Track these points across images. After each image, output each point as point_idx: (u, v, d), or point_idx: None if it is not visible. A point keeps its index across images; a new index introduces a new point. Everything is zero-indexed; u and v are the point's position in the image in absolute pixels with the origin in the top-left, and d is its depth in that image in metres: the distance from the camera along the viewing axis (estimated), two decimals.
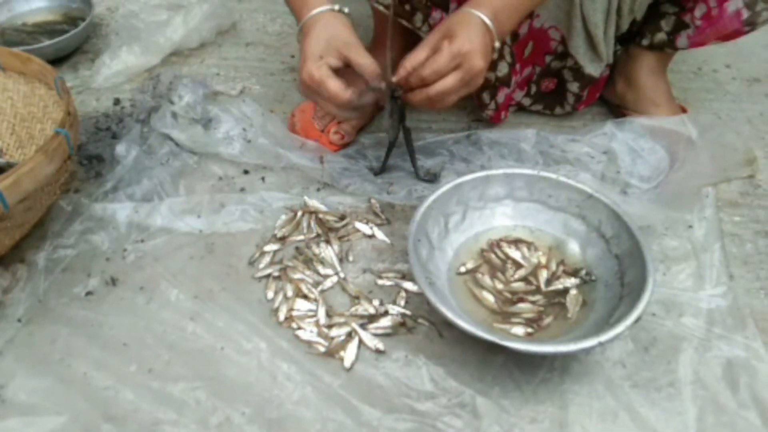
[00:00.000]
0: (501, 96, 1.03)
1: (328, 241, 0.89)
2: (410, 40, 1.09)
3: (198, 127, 1.07)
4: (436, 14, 0.96)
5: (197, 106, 1.09)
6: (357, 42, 0.82)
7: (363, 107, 0.84)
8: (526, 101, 1.11)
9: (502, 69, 0.99)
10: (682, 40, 0.99)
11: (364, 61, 0.81)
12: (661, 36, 1.00)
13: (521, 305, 0.79)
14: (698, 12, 0.95)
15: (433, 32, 0.81)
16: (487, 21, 0.78)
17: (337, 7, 0.84)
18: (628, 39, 1.05)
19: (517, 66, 1.02)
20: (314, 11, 0.82)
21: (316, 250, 0.88)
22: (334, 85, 0.80)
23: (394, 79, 0.82)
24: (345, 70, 0.83)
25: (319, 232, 0.91)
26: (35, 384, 0.74)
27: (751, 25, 0.93)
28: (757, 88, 1.21)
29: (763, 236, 0.92)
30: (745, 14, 0.92)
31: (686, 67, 1.25)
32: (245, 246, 0.90)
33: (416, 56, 0.79)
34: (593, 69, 1.01)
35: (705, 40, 0.97)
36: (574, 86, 1.06)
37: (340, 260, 0.88)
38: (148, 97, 1.12)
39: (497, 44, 0.81)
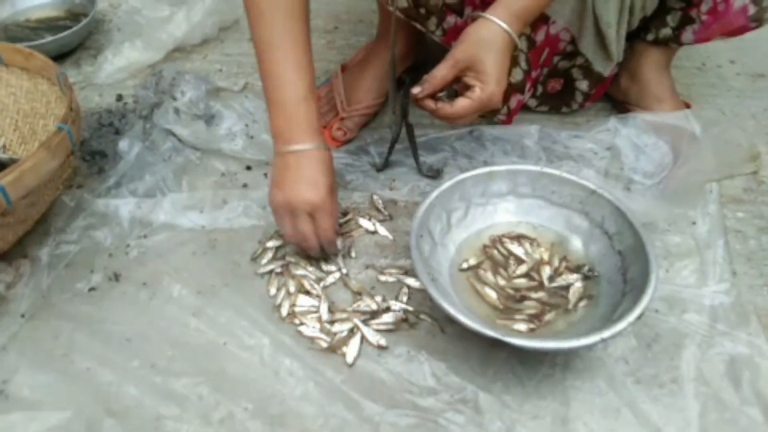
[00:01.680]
0: (513, 102, 1.02)
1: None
2: (413, 36, 1.09)
3: (200, 123, 1.07)
4: (450, 18, 0.95)
5: (200, 102, 1.09)
6: (335, 184, 0.82)
7: (324, 252, 0.85)
8: (532, 102, 1.10)
9: (517, 76, 0.98)
10: (687, 35, 0.98)
11: (336, 204, 0.83)
12: (666, 31, 1.00)
13: (525, 303, 0.79)
14: (704, 7, 0.94)
15: (462, 47, 0.78)
16: (512, 34, 0.78)
17: (323, 145, 0.80)
18: (633, 34, 1.05)
19: (533, 73, 1.01)
20: (321, 144, 0.80)
21: None
22: (333, 224, 0.81)
23: (416, 92, 0.80)
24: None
25: None
26: (38, 379, 0.74)
27: (758, 21, 0.92)
28: (761, 83, 1.21)
29: (767, 232, 0.91)
30: (752, 10, 0.91)
31: (690, 63, 1.24)
32: (248, 242, 0.90)
33: (442, 75, 0.79)
34: (603, 67, 1.01)
35: (710, 36, 0.97)
36: (583, 85, 1.06)
37: (343, 256, 0.88)
38: (150, 94, 1.12)
39: (516, 52, 0.81)
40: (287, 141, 0.79)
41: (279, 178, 0.79)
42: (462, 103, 0.79)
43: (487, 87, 0.78)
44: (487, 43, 0.78)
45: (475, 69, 0.78)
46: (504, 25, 0.77)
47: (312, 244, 0.82)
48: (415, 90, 0.80)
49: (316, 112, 0.81)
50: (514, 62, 0.96)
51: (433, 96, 0.81)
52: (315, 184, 0.78)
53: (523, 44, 0.96)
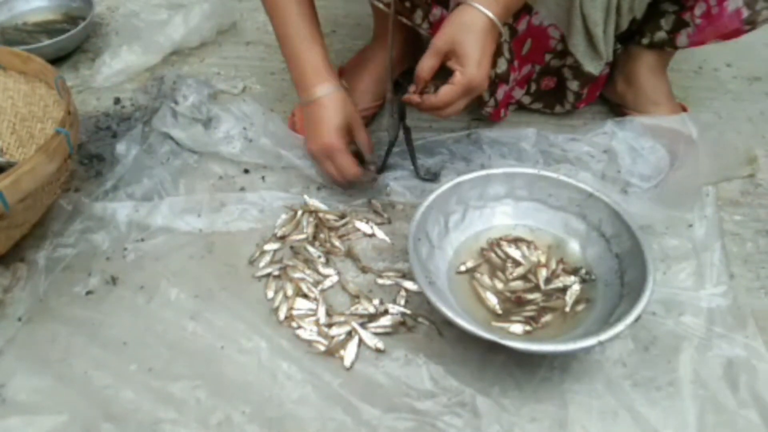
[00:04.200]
0: (500, 93, 1.03)
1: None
2: (410, 38, 1.09)
3: (198, 126, 1.07)
4: (436, 11, 0.95)
5: (202, 106, 1.10)
6: (360, 119, 0.92)
7: (361, 184, 0.95)
8: (526, 99, 1.11)
9: (501, 66, 0.99)
10: (682, 38, 0.99)
11: (364, 138, 0.92)
12: (661, 35, 1.00)
13: (524, 307, 0.79)
14: (698, 10, 0.95)
15: (440, 35, 0.79)
16: (492, 15, 0.78)
17: (343, 84, 0.93)
18: (628, 38, 1.05)
19: (516, 63, 1.01)
20: (320, 88, 0.89)
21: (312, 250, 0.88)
22: (349, 160, 0.90)
23: (411, 90, 0.83)
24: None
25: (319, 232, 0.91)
26: (35, 383, 0.74)
27: (751, 23, 0.92)
28: (757, 86, 1.21)
29: (764, 235, 0.92)
30: (745, 13, 0.91)
31: (687, 66, 1.25)
32: (245, 245, 0.90)
33: (429, 65, 0.80)
34: (593, 67, 1.01)
35: (705, 39, 0.97)
36: (573, 84, 1.06)
37: (341, 260, 0.88)
38: (151, 98, 1.12)
39: (502, 39, 0.81)
40: (302, 92, 0.91)
41: (304, 131, 0.95)
42: (444, 90, 0.80)
43: (466, 69, 0.78)
44: (466, 27, 0.78)
45: (456, 53, 0.78)
46: (482, 9, 0.77)
47: (341, 183, 0.94)
48: (411, 88, 0.83)
49: (322, 58, 0.90)
50: (498, 52, 0.97)
51: (422, 92, 0.83)
52: (321, 129, 0.89)
53: (505, 33, 0.97)
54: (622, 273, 0.77)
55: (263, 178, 1.00)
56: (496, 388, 0.73)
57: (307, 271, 0.86)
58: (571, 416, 0.71)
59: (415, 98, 0.82)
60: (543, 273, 0.82)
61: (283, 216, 0.94)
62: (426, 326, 0.79)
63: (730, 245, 0.90)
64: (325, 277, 0.85)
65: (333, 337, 0.78)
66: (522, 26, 0.98)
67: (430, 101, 0.81)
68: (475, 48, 0.77)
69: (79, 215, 0.92)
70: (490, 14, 0.77)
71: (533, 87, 1.09)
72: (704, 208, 0.92)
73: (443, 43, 0.79)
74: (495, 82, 1.01)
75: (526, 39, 1.01)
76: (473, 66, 0.77)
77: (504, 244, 0.85)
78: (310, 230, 0.91)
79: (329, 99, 0.89)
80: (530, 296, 0.80)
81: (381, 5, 0.94)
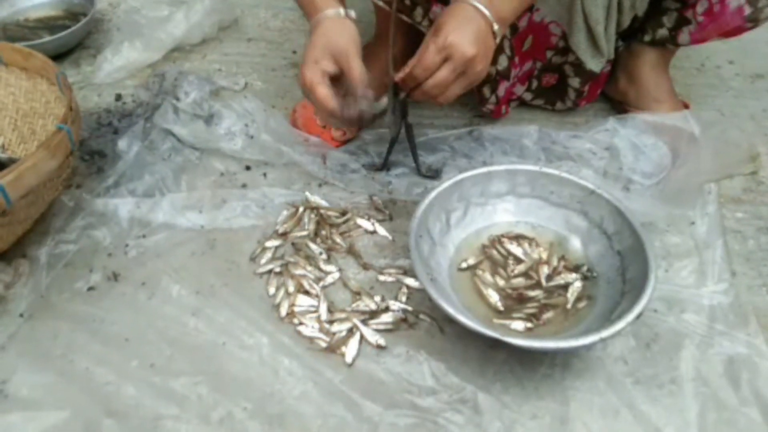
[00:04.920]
0: (501, 89, 1.03)
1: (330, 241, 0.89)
2: (412, 36, 1.09)
3: (200, 122, 1.07)
4: (436, 8, 0.95)
5: (203, 102, 1.10)
6: (354, 49, 0.83)
7: (348, 119, 0.85)
8: (527, 96, 1.11)
9: (502, 62, 0.99)
10: (683, 36, 0.98)
11: (354, 70, 0.82)
12: (662, 32, 1.00)
13: (525, 304, 0.79)
14: (700, 8, 0.95)
15: (429, 30, 0.81)
16: (480, 6, 0.78)
17: (342, 11, 0.85)
18: (630, 35, 1.05)
19: (516, 59, 1.01)
20: (321, 14, 0.84)
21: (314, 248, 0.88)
22: (322, 92, 0.81)
23: (397, 77, 0.82)
24: (343, 78, 0.84)
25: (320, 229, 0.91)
26: (37, 379, 0.74)
27: (754, 21, 0.92)
28: (760, 84, 1.21)
29: (766, 233, 0.91)
30: (747, 10, 0.91)
31: (689, 63, 1.24)
32: (247, 242, 0.90)
33: (415, 57, 0.80)
34: (594, 64, 1.01)
35: (707, 37, 0.97)
36: (575, 81, 1.06)
37: (343, 257, 0.88)
38: (152, 95, 1.12)
39: (497, 27, 0.80)
40: (316, 9, 0.84)
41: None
42: (418, 56, 0.79)
43: (440, 32, 0.77)
44: (451, 14, 0.79)
45: (434, 31, 0.78)
46: (473, 2, 0.78)
47: (335, 121, 0.85)
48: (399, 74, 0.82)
49: None
50: (499, 49, 0.97)
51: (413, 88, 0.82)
52: (303, 63, 0.82)
53: (506, 30, 0.96)
54: (624, 270, 0.77)
55: (265, 174, 1.00)
56: (497, 385, 0.73)
57: (309, 268, 0.86)
58: (573, 413, 0.71)
59: (401, 74, 0.82)
60: (544, 270, 0.82)
61: (285, 213, 0.94)
62: (427, 323, 0.79)
63: (732, 242, 0.89)
64: (327, 273, 0.85)
65: (334, 334, 0.78)
66: (523, 23, 0.98)
67: (410, 73, 0.80)
68: (453, 21, 0.77)
69: (81, 211, 0.92)
70: (478, 4, 0.78)
71: (534, 84, 1.09)
72: (706, 205, 0.92)
73: (429, 35, 0.79)
74: (496, 78, 1.01)
75: (527, 36, 1.01)
76: (448, 28, 0.77)
77: (506, 241, 0.85)
78: (311, 227, 0.91)
79: (315, 28, 0.84)
80: (532, 293, 0.80)
81: (382, 3, 0.94)
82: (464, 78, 0.80)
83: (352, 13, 0.86)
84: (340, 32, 0.83)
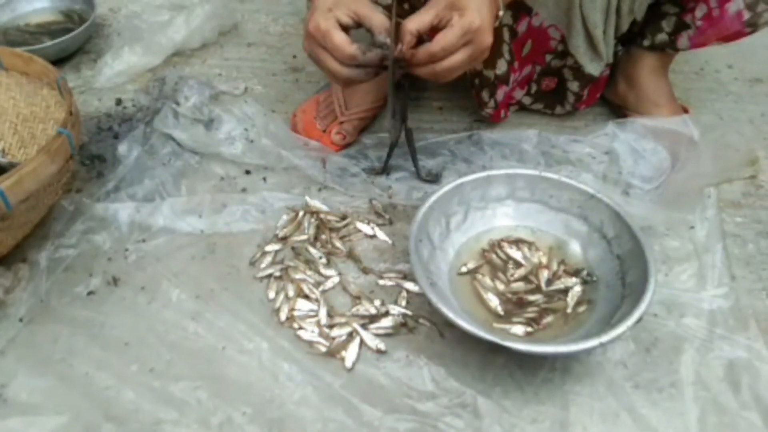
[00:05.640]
0: (500, 94, 1.03)
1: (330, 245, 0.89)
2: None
3: (200, 127, 1.07)
4: None
5: (203, 107, 1.10)
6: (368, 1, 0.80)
7: (366, 66, 0.79)
8: (527, 100, 1.11)
9: (501, 67, 0.99)
10: (683, 40, 0.99)
11: (375, 16, 0.78)
12: (662, 36, 1.00)
13: (526, 309, 0.79)
14: (699, 12, 0.95)
15: None
16: None
17: None
18: (630, 39, 1.05)
19: (516, 64, 1.02)
20: None
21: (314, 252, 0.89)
22: (340, 37, 0.76)
23: (402, 48, 0.77)
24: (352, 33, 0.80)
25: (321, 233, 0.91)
26: (36, 383, 0.74)
27: (753, 26, 0.92)
28: (759, 88, 1.21)
29: (765, 237, 0.91)
30: (747, 15, 0.91)
31: (688, 68, 1.25)
32: (247, 246, 0.90)
33: (421, 20, 0.76)
34: (593, 68, 1.01)
35: (706, 41, 0.97)
36: (574, 85, 1.06)
37: (342, 261, 0.88)
38: (152, 99, 1.13)
39: (501, 13, 0.78)
40: None
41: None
42: (442, 34, 0.73)
43: (466, 12, 0.72)
44: None
45: (453, 5, 0.74)
46: None
47: (347, 76, 0.79)
48: (398, 47, 0.76)
49: None
50: (498, 53, 0.97)
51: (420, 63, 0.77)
52: (310, 18, 0.77)
53: (505, 35, 0.97)
54: (624, 274, 0.77)
55: (265, 179, 1.00)
56: (497, 390, 0.73)
57: (309, 272, 0.86)
58: (573, 418, 0.71)
59: (407, 52, 0.76)
60: (544, 274, 0.82)
61: (285, 217, 0.94)
62: (427, 327, 0.79)
63: (732, 247, 0.89)
64: (327, 278, 0.85)
65: (334, 338, 0.78)
66: (522, 27, 0.99)
67: (426, 49, 0.75)
68: (477, 4, 0.73)
69: (81, 216, 0.92)
70: None
71: (534, 88, 1.09)
72: (706, 209, 0.92)
73: (442, 4, 0.74)
74: (494, 83, 1.01)
75: (527, 40, 1.01)
76: (473, 10, 0.73)
77: (505, 245, 0.85)
78: (311, 231, 0.91)
79: None
80: (531, 297, 0.80)
81: (381, 8, 0.94)
82: (472, 63, 0.77)
83: None
84: None
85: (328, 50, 0.77)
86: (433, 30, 0.76)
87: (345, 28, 0.78)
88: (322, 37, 0.77)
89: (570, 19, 0.96)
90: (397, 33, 0.78)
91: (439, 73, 0.76)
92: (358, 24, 0.79)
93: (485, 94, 1.03)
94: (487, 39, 0.74)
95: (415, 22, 0.75)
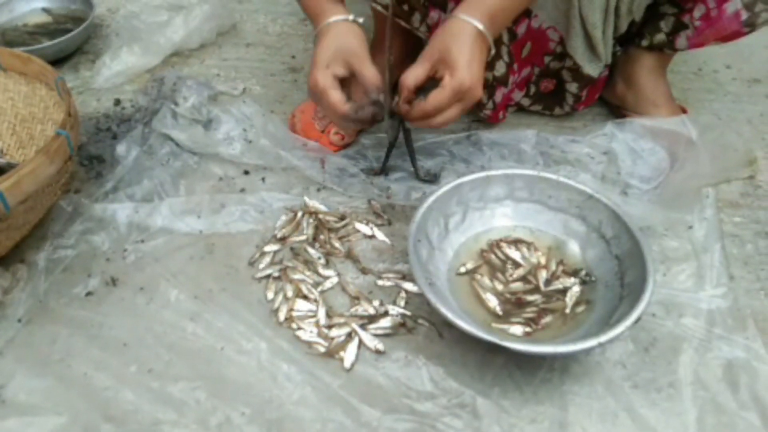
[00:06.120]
0: (499, 95, 1.03)
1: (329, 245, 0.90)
2: (410, 41, 1.09)
3: (198, 127, 1.07)
4: (434, 14, 0.96)
5: (202, 107, 1.10)
6: (365, 53, 0.85)
7: (360, 121, 0.86)
8: (526, 101, 1.11)
9: (500, 69, 0.99)
10: (681, 40, 0.99)
11: (368, 73, 0.83)
12: (660, 37, 1.00)
13: (524, 309, 0.79)
14: (697, 13, 0.95)
15: (430, 46, 0.81)
16: (482, 29, 0.78)
17: (351, 17, 0.86)
18: (628, 40, 1.05)
19: (515, 66, 1.02)
20: (329, 20, 0.85)
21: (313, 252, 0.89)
22: (335, 96, 0.83)
23: (399, 102, 0.84)
24: (352, 80, 0.86)
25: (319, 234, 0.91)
26: (35, 384, 0.74)
27: (751, 26, 0.92)
28: (757, 88, 1.21)
29: (764, 237, 0.92)
30: (744, 15, 0.91)
31: (686, 68, 1.25)
32: (245, 246, 0.90)
33: (416, 75, 0.81)
34: (592, 69, 1.01)
35: (704, 41, 0.97)
36: (573, 87, 1.06)
37: (341, 262, 0.88)
38: (151, 100, 1.13)
39: (493, 52, 0.81)
40: (325, 16, 0.86)
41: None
42: (434, 94, 0.79)
43: (456, 72, 0.77)
44: (454, 35, 0.79)
45: (444, 61, 0.79)
46: (469, 18, 0.78)
47: (345, 123, 0.86)
48: (396, 100, 0.83)
49: None
50: (497, 55, 0.97)
51: (410, 102, 0.83)
52: (311, 68, 0.84)
53: (504, 36, 0.97)
54: (622, 274, 0.78)
55: (263, 179, 1.00)
56: (496, 390, 0.73)
57: (307, 273, 0.86)
58: (571, 418, 0.71)
59: (404, 107, 0.83)
60: (543, 274, 0.82)
61: (283, 217, 0.94)
62: (426, 328, 0.79)
63: (730, 247, 0.90)
64: (325, 278, 0.85)
65: (333, 339, 0.78)
66: (521, 30, 0.99)
67: (420, 107, 0.81)
68: (464, 52, 0.78)
69: (79, 216, 0.92)
70: (477, 23, 0.78)
71: (532, 89, 1.09)
72: (704, 209, 0.92)
73: (431, 52, 0.79)
74: (493, 84, 1.01)
75: (526, 42, 1.01)
76: (463, 69, 0.77)
77: (504, 245, 0.85)
78: (310, 231, 0.91)
79: (326, 30, 0.85)
80: (530, 298, 0.80)
81: (379, 7, 0.95)
82: (465, 113, 0.82)
83: (360, 20, 0.87)
84: (351, 36, 0.85)
85: (325, 107, 0.85)
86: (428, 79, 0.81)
87: (344, 79, 0.85)
88: (320, 94, 0.84)
89: (569, 21, 0.97)
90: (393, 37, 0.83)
91: (433, 126, 0.82)
92: (354, 76, 0.85)
93: (483, 96, 1.03)
94: (477, 94, 0.79)
95: (412, 78, 0.81)
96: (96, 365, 0.75)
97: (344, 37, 0.85)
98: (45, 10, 1.36)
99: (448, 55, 0.78)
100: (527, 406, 0.72)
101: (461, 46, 0.78)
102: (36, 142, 0.97)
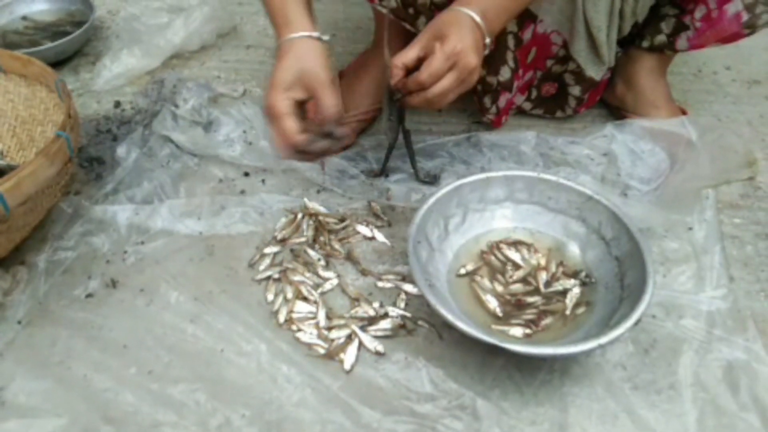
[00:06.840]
0: (502, 101, 1.03)
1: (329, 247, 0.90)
2: (409, 42, 1.09)
3: (198, 129, 1.07)
4: None
5: (202, 109, 1.10)
6: (326, 78, 0.79)
7: (309, 154, 0.80)
8: (527, 105, 1.11)
9: (505, 74, 0.99)
10: (681, 42, 0.99)
11: (328, 102, 0.78)
12: (660, 38, 1.00)
13: (524, 310, 0.79)
14: (698, 14, 0.95)
15: (423, 32, 0.80)
16: (477, 18, 0.78)
17: (316, 34, 0.80)
18: (628, 41, 1.05)
19: (520, 71, 1.02)
20: (293, 35, 0.79)
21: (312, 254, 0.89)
22: (289, 125, 0.78)
23: (392, 82, 0.82)
24: (309, 104, 0.81)
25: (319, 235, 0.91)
26: (35, 386, 0.74)
27: (751, 27, 0.93)
28: (757, 90, 1.21)
29: (764, 238, 0.92)
30: (745, 17, 0.92)
31: (686, 69, 1.25)
32: (245, 248, 0.90)
33: (407, 55, 0.79)
34: (594, 72, 1.01)
35: (705, 42, 0.97)
36: (575, 90, 1.06)
37: (341, 263, 0.88)
38: (151, 102, 1.13)
39: (488, 41, 0.80)
40: (289, 29, 0.80)
41: (275, 70, 0.80)
42: (427, 62, 0.76)
43: (447, 39, 0.76)
44: (449, 22, 0.78)
45: (436, 39, 0.77)
46: (466, 10, 0.78)
47: (283, 150, 0.80)
48: (391, 82, 0.80)
49: (288, 6, 0.80)
50: (502, 61, 0.97)
51: (412, 92, 0.80)
52: (268, 87, 0.79)
53: (510, 42, 0.97)
54: (622, 276, 0.78)
55: (263, 181, 1.01)
56: (496, 391, 0.73)
57: (307, 274, 0.86)
58: (571, 419, 0.71)
59: (399, 82, 0.79)
60: (543, 276, 0.82)
61: (283, 219, 0.94)
62: (426, 329, 0.79)
63: (730, 248, 0.90)
64: (325, 280, 0.85)
65: (333, 340, 0.78)
66: (527, 35, 0.98)
67: (414, 78, 0.78)
68: (458, 30, 0.77)
69: (80, 218, 0.92)
70: (473, 14, 0.78)
71: (534, 93, 1.09)
72: (704, 211, 0.92)
73: (424, 36, 0.78)
74: (497, 89, 1.01)
75: (531, 48, 1.01)
76: (454, 35, 0.76)
77: (504, 247, 0.85)
78: (310, 233, 0.91)
79: (285, 49, 0.79)
80: (530, 299, 0.80)
81: (385, 10, 0.94)
82: (462, 86, 0.79)
83: (326, 37, 0.82)
84: (314, 57, 0.79)
85: (277, 132, 0.79)
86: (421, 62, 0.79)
87: (303, 102, 0.80)
88: (274, 119, 0.78)
89: (573, 24, 0.96)
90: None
91: (431, 99, 0.79)
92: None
93: (487, 101, 1.03)
94: (472, 60, 0.77)
95: (401, 57, 0.79)
96: (96, 367, 0.75)
97: (307, 58, 0.79)
98: (24, 18, 1.35)
99: (439, 33, 0.77)
100: (527, 408, 0.72)
101: (455, 26, 0.77)
102: (36, 143, 0.97)
